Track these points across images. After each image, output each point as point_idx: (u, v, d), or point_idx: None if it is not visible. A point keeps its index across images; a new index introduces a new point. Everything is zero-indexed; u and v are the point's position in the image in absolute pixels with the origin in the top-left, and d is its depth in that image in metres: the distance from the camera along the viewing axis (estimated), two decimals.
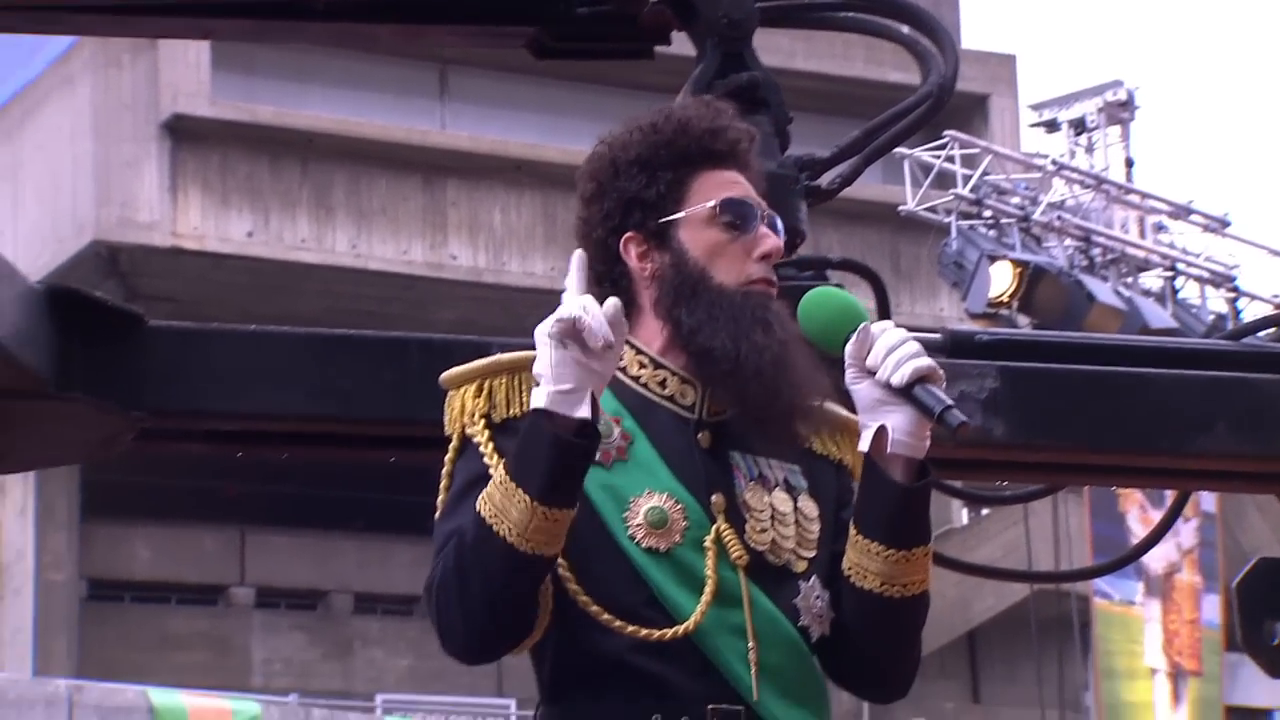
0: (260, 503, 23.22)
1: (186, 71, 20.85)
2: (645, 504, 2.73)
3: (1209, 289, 19.58)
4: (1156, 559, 19.53)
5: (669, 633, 2.68)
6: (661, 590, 2.70)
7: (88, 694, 14.50)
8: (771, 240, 2.82)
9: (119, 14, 3.94)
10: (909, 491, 2.72)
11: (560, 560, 2.68)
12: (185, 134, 21.03)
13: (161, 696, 14.61)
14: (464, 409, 2.76)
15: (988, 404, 3.57)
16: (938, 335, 3.71)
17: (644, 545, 2.71)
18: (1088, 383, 3.66)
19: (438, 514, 2.75)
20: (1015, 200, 18.25)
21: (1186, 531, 19.97)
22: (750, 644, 2.71)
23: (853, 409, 2.77)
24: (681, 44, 3.95)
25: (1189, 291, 19.52)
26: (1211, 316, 19.17)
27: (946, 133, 18.33)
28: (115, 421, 3.39)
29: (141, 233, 20.82)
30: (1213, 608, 20.10)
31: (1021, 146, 22.45)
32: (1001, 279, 17.30)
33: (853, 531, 2.76)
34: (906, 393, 2.67)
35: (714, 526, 2.73)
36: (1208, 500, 19.64)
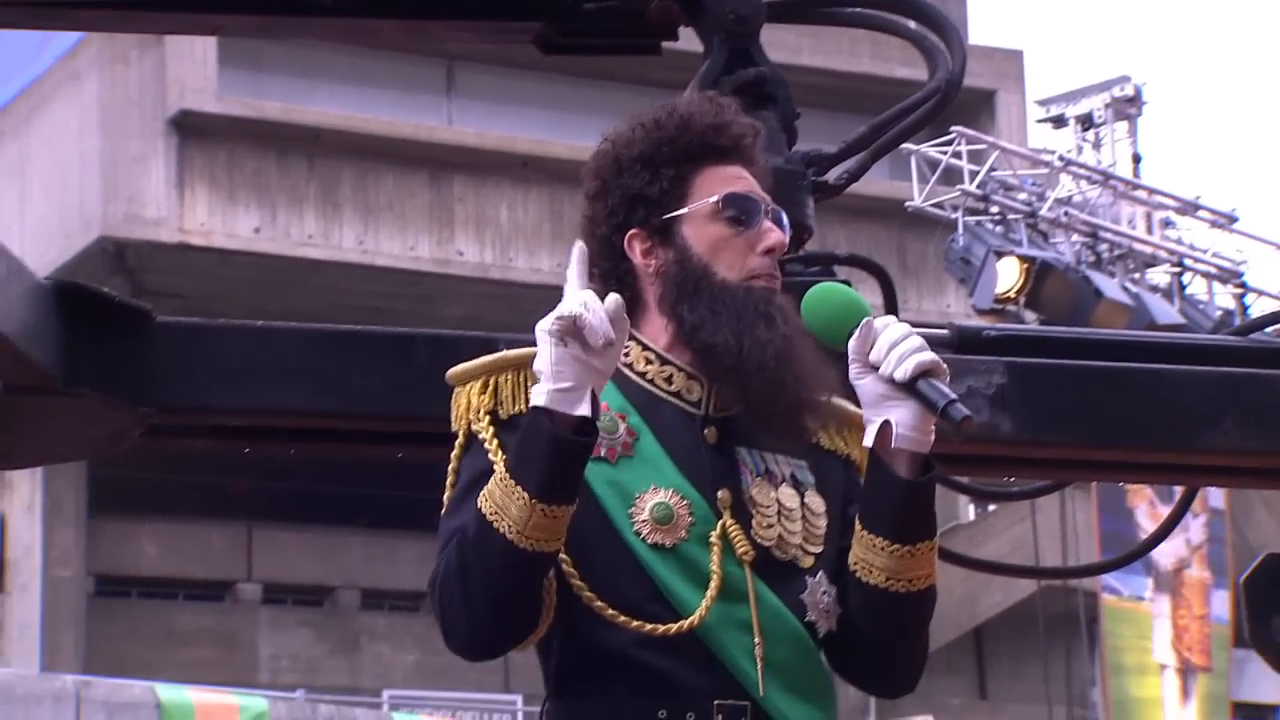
0: (267, 499, 23.23)
1: (193, 68, 20.86)
2: (651, 500, 2.73)
3: (1216, 284, 19.57)
4: (1165, 555, 19.53)
5: (674, 628, 2.68)
6: (667, 586, 2.70)
7: (95, 690, 14.51)
8: (775, 234, 2.82)
9: (126, 10, 3.95)
10: (913, 486, 2.72)
11: (564, 556, 2.68)
12: (192, 130, 21.03)
13: (169, 692, 14.62)
14: (469, 405, 2.76)
15: (995, 400, 3.57)
16: (945, 331, 3.72)
17: (650, 541, 2.72)
18: (1095, 378, 3.66)
19: (443, 510, 2.75)
20: (1022, 196, 18.24)
21: (1195, 527, 19.97)
22: (756, 639, 2.71)
23: (858, 404, 2.77)
24: (689, 40, 3.95)
25: (1196, 287, 19.51)
26: (1219, 312, 19.16)
27: (953, 128, 18.32)
28: (123, 417, 3.40)
29: (148, 229, 20.83)
30: (1222, 603, 20.09)
31: (1029, 142, 22.42)
32: (1008, 275, 17.30)
33: (858, 527, 2.76)
34: (910, 387, 2.67)
35: (720, 522, 2.74)
36: (1216, 496, 19.64)
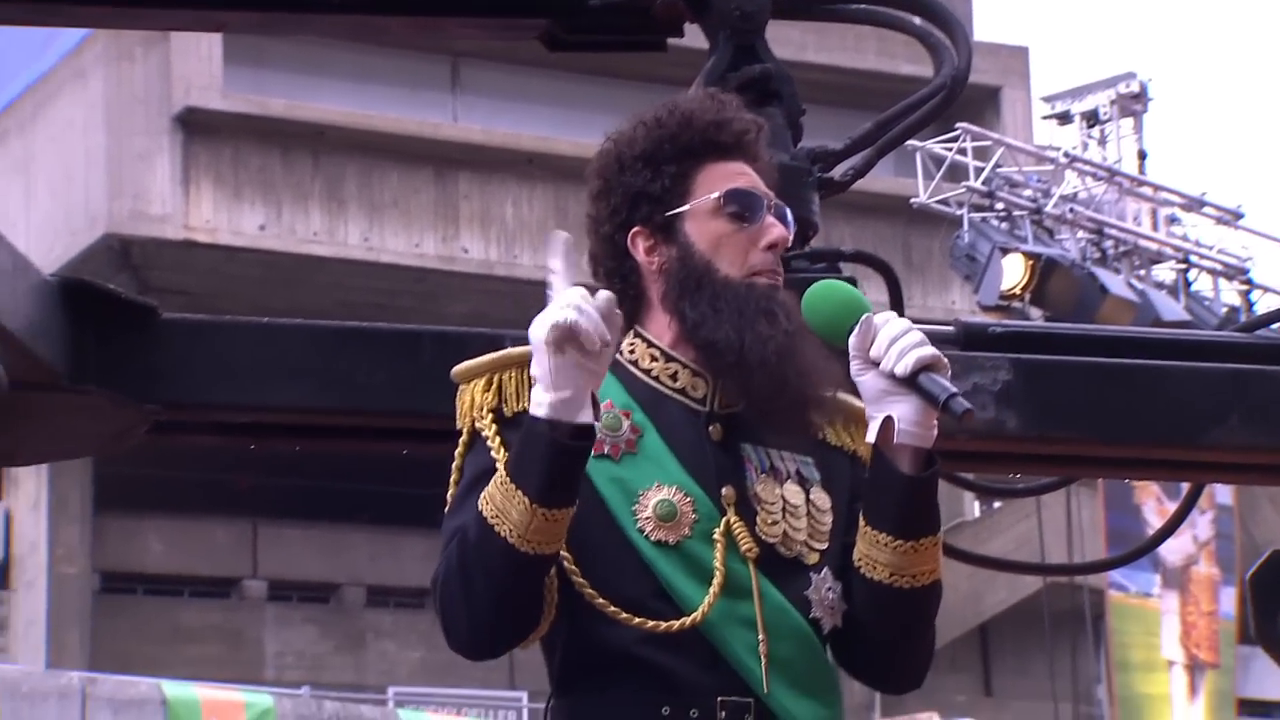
0: (272, 495, 23.24)
1: (198, 64, 20.87)
2: (654, 497, 2.73)
3: (1222, 281, 19.55)
4: (1173, 551, 19.52)
5: (676, 624, 2.68)
6: (670, 583, 2.70)
7: (101, 686, 14.50)
8: (778, 230, 2.82)
9: (131, 6, 3.95)
10: (916, 481, 2.71)
11: (566, 554, 2.69)
12: (197, 127, 21.04)
13: (175, 689, 14.61)
14: (473, 403, 2.76)
15: (1001, 396, 3.57)
16: (951, 328, 3.71)
17: (653, 538, 2.72)
18: (1101, 375, 3.66)
19: (446, 508, 2.75)
20: (1028, 193, 18.22)
21: (1203, 524, 19.96)
22: (760, 636, 2.71)
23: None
24: (694, 36, 3.95)
25: (1202, 284, 19.50)
26: (1224, 309, 19.14)
27: (959, 125, 18.31)
28: (128, 414, 3.40)
29: (154, 226, 20.85)
30: (1230, 600, 20.07)
31: (1034, 139, 22.41)
32: (1014, 272, 17.28)
33: (861, 523, 2.76)
34: (911, 382, 2.67)
35: (724, 519, 2.74)
36: (1223, 493, 19.62)
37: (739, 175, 2.83)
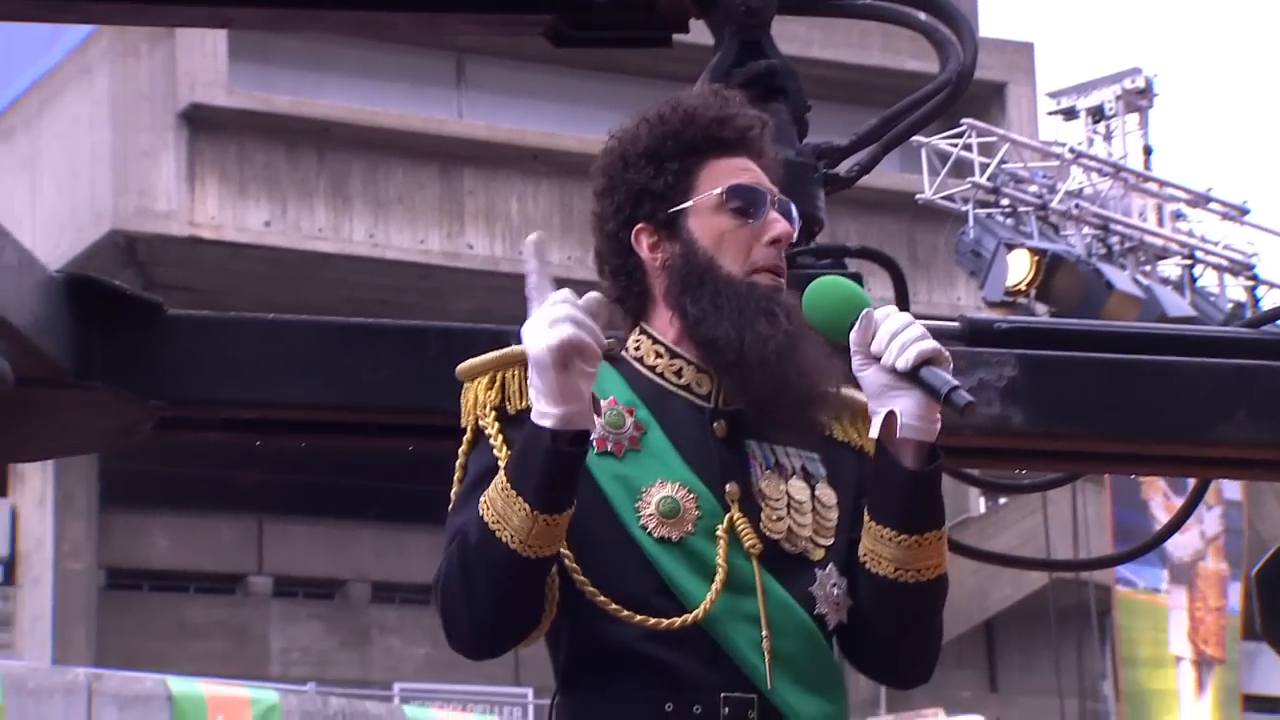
0: (278, 492, 23.25)
1: (204, 61, 20.88)
2: (657, 494, 2.73)
3: (1227, 277, 19.53)
4: (1181, 547, 19.50)
5: (678, 621, 2.68)
6: (673, 579, 2.70)
7: (106, 682, 14.52)
8: (780, 225, 2.81)
9: (137, 2, 3.95)
10: (919, 476, 2.71)
11: (566, 552, 2.69)
12: (203, 123, 21.05)
13: (180, 685, 14.63)
14: (477, 401, 2.76)
15: (1006, 392, 3.57)
16: (956, 324, 3.71)
17: (656, 535, 2.71)
18: (1106, 371, 3.66)
19: (450, 506, 2.75)
20: (1033, 188, 18.21)
21: (1210, 519, 19.94)
22: (764, 632, 2.70)
23: None
24: (700, 32, 3.95)
25: (1207, 280, 19.47)
26: (1230, 304, 19.12)
27: (964, 121, 18.29)
28: (134, 410, 3.40)
29: (159, 222, 20.86)
30: (1239, 596, 20.05)
31: (1039, 134, 22.41)
32: (1019, 267, 17.26)
33: (866, 517, 2.76)
34: (913, 376, 2.66)
35: (727, 515, 2.73)
36: (1231, 488, 19.59)
37: (742, 171, 2.82)
